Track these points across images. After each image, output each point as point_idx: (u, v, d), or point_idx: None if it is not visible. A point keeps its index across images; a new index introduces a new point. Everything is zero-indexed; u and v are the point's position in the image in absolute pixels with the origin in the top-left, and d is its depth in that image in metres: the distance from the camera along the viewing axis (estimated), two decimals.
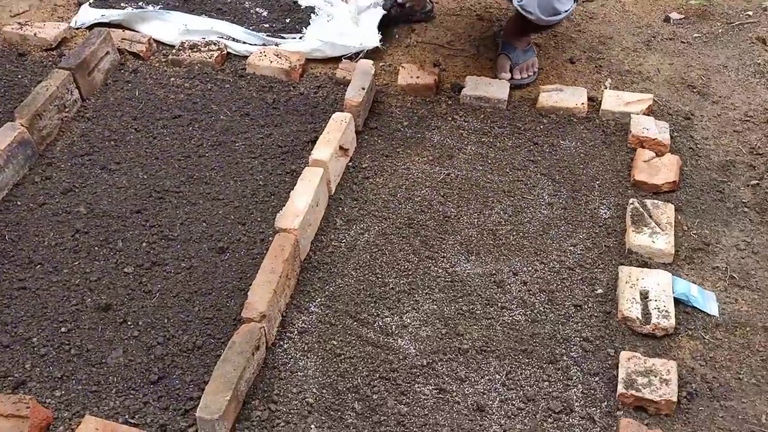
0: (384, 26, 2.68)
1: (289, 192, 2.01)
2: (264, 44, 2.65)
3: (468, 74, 2.57)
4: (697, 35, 2.82)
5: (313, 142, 2.23)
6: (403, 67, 2.56)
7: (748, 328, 1.83)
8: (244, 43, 2.65)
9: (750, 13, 2.92)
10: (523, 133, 2.36)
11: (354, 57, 2.60)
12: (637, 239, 1.97)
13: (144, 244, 1.94)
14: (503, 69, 2.55)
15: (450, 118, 2.41)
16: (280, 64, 2.53)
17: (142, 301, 1.81)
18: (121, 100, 2.43)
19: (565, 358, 1.75)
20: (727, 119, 2.45)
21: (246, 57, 2.60)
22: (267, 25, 2.75)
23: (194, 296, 1.82)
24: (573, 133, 2.36)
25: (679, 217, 2.08)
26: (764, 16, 2.90)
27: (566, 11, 2.28)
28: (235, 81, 2.52)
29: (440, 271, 1.93)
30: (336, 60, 2.62)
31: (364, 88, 2.33)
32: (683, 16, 2.92)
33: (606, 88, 2.55)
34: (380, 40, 2.63)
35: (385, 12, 2.68)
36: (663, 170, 2.17)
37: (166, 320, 1.76)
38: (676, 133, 2.35)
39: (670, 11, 2.95)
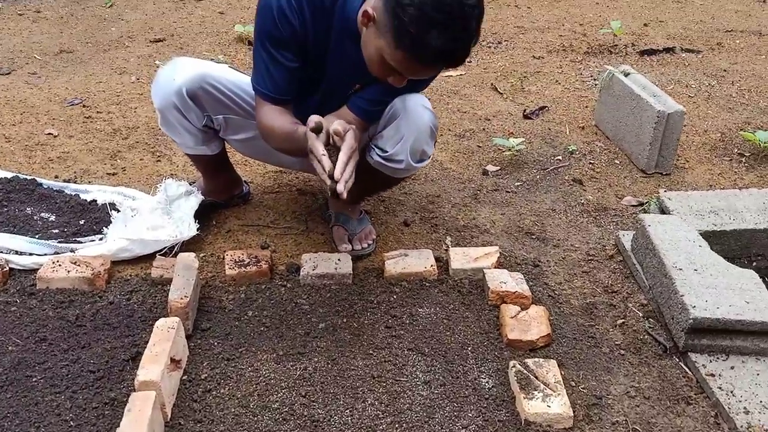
0: (199, 213, 2.39)
1: (113, 431, 1.57)
2: (56, 252, 2.23)
3: (302, 252, 2.33)
4: (518, 184, 2.84)
5: (135, 359, 1.83)
6: (228, 254, 2.26)
7: None
8: (31, 254, 2.22)
9: (559, 157, 3.02)
10: (378, 307, 2.12)
11: (169, 252, 2.27)
12: (532, 407, 1.74)
13: None
14: (342, 240, 2.34)
15: (293, 304, 2.12)
16: (80, 272, 2.12)
17: None
18: None
19: None
20: (573, 261, 2.39)
21: (35, 270, 2.16)
22: (57, 231, 2.35)
23: None
24: (429, 298, 2.16)
25: (563, 372, 1.90)
26: (573, 159, 3.01)
27: (430, 156, 2.16)
28: (24, 301, 2.06)
29: None
30: (148, 258, 2.26)
31: (189, 286, 1.99)
32: (499, 167, 2.95)
33: (448, 246, 2.42)
34: (197, 229, 2.33)
35: (202, 198, 2.40)
36: (533, 324, 2.01)
37: None
38: (531, 282, 2.23)
39: (486, 164, 2.97)
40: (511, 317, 2.03)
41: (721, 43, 4.26)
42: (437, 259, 2.31)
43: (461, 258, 2.29)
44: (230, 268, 2.20)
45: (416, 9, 1.63)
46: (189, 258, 2.11)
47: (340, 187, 1.73)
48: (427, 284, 2.22)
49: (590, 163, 2.99)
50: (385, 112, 2.06)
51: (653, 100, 2.87)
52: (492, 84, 3.66)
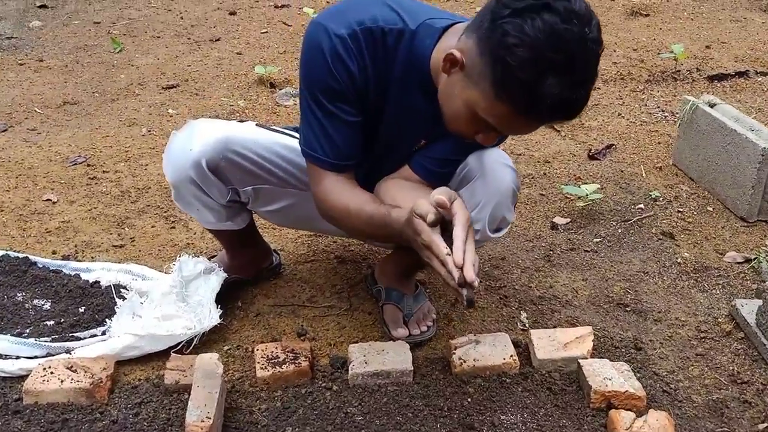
0: (221, 294, 1.97)
1: None
2: (48, 354, 1.81)
3: (347, 339, 1.91)
4: (598, 240, 2.39)
5: None
6: (259, 349, 1.83)
7: None
8: (17, 357, 1.80)
9: (641, 206, 2.57)
10: (449, 415, 1.67)
11: (186, 347, 1.84)
12: None
13: None
14: (396, 323, 1.91)
15: (342, 414, 1.68)
16: (77, 381, 1.70)
17: None
18: None
19: None
20: (682, 340, 1.94)
21: (22, 379, 1.74)
22: (52, 323, 1.93)
23: None
24: (512, 400, 1.71)
25: None
26: (657, 207, 2.56)
27: (509, 224, 1.76)
28: (7, 422, 1.63)
29: None
30: (161, 355, 1.84)
31: (212, 401, 1.55)
32: (569, 219, 2.51)
33: (526, 325, 1.98)
34: (220, 315, 1.90)
35: (225, 276, 1.98)
36: None
37: None
38: (637, 373, 1.78)
39: (553, 216, 2.53)
40: (626, 430, 1.57)
41: None
42: (515, 344, 1.87)
43: (547, 344, 1.84)
44: (262, 368, 1.77)
45: (528, 49, 1.22)
46: (211, 362, 1.68)
47: (469, 275, 1.30)
48: (507, 381, 1.77)
49: (678, 211, 2.53)
50: (457, 171, 1.64)
51: (752, 135, 2.42)
52: None
